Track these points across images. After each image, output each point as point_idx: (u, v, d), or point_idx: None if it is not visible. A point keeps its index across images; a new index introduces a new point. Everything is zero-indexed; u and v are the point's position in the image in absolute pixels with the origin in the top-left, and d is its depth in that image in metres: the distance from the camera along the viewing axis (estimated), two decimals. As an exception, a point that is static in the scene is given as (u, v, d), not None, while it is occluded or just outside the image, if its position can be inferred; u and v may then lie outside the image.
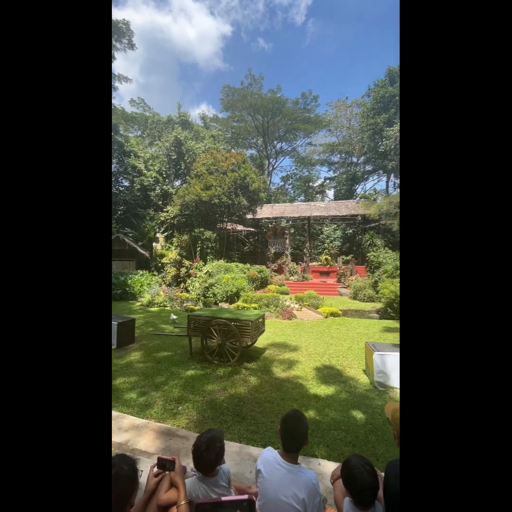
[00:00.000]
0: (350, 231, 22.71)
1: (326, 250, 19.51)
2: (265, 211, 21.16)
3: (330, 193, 33.02)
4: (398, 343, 6.01)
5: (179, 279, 13.58)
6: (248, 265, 14.89)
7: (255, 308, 9.40)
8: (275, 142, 32.59)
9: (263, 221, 22.47)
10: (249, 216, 18.16)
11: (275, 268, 18.00)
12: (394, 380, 4.23)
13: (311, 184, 32.82)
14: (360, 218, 20.21)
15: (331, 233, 22.38)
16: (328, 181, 32.66)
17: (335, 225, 23.01)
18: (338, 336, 7.12)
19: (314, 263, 19.47)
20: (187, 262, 14.23)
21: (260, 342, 6.41)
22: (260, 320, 5.55)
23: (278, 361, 5.27)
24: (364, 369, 4.85)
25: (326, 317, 9.40)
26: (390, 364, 4.24)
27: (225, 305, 10.40)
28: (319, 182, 33.49)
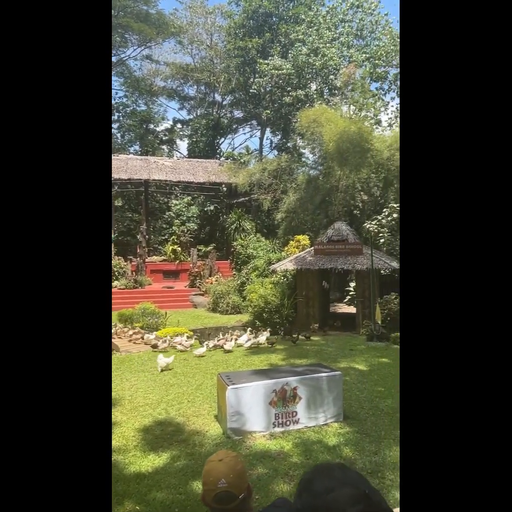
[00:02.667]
0: (212, 207, 24.32)
1: (174, 237, 20.04)
2: (65, 165, 19.40)
3: (183, 145, 34.10)
4: (261, 368, 7.08)
5: None
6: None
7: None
8: (86, 42, 29.90)
9: (62, 182, 20.42)
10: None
11: (86, 267, 16.95)
12: (254, 422, 4.87)
13: (152, 126, 32.60)
14: (225, 188, 22.02)
15: (183, 209, 23.17)
16: (179, 126, 33.45)
17: (189, 198, 23.98)
18: (184, 371, 7.50)
19: (155, 258, 19.65)
20: None
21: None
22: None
23: (78, 430, 4.98)
24: (216, 414, 5.34)
25: (170, 343, 9.67)
26: (248, 400, 4.85)
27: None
28: (165, 125, 33.82)
